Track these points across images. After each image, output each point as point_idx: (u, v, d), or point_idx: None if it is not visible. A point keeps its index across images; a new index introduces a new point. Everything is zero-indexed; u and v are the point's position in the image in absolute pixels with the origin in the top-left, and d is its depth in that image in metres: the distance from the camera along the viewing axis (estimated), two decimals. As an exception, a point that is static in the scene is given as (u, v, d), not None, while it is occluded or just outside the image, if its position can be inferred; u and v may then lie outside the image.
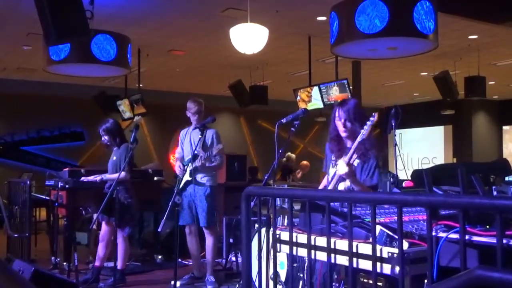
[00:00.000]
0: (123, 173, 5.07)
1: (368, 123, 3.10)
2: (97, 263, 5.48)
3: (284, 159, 12.08)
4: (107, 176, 5.52)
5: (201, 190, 5.37)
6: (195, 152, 5.27)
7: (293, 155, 12.46)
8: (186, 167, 5.33)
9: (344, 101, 3.58)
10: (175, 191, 4.99)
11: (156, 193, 6.97)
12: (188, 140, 5.52)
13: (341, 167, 3.17)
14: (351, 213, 2.15)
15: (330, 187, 3.39)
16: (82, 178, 5.80)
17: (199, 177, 5.37)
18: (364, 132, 3.09)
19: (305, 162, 12.02)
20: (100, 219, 5.42)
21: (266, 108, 11.75)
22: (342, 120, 3.41)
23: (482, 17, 7.36)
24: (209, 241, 5.44)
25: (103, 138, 5.61)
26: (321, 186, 3.71)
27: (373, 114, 3.15)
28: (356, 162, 3.26)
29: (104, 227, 5.51)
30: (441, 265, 1.95)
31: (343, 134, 3.45)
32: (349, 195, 2.37)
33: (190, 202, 5.40)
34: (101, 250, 5.50)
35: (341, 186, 3.35)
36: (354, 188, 3.26)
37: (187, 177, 5.37)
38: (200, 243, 5.60)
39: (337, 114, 3.46)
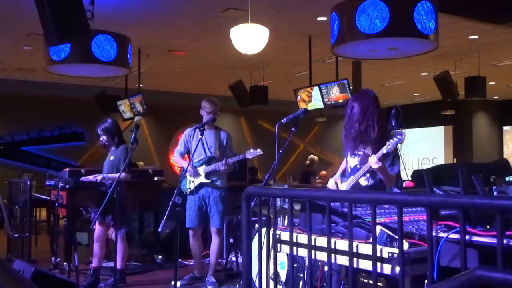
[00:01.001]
0: (123, 174, 5.08)
1: (395, 139, 3.19)
2: (95, 264, 5.47)
3: (308, 161, 11.97)
4: (108, 175, 5.49)
5: (216, 192, 5.37)
6: (213, 154, 5.28)
7: (316, 157, 12.34)
8: (198, 168, 5.32)
9: (359, 95, 3.60)
10: (176, 191, 4.98)
11: (157, 194, 6.97)
12: (197, 140, 5.32)
13: (373, 162, 3.28)
14: (351, 213, 2.15)
15: (351, 180, 3.46)
16: (82, 178, 5.80)
17: (214, 179, 5.38)
18: (390, 146, 3.18)
19: (324, 172, 11.99)
20: (92, 218, 5.40)
21: (267, 108, 11.75)
22: (357, 117, 3.48)
23: (482, 18, 7.35)
24: (216, 242, 5.42)
25: (101, 138, 5.59)
26: (339, 170, 3.76)
27: (401, 132, 3.21)
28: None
29: (98, 227, 5.46)
30: (441, 265, 1.95)
31: (359, 129, 3.52)
32: (350, 196, 2.37)
33: (201, 204, 5.39)
34: (97, 250, 5.48)
35: (362, 180, 3.47)
36: (382, 178, 3.38)
37: (202, 179, 5.36)
38: (202, 243, 5.61)
39: (353, 111, 3.52)
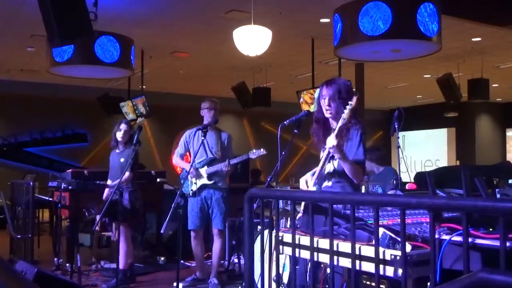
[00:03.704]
0: (126, 173, 5.12)
1: (348, 107, 3.01)
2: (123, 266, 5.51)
3: None
4: (115, 182, 5.49)
5: (218, 194, 5.36)
6: (215, 156, 5.30)
7: None
8: (200, 169, 5.32)
9: (331, 79, 3.41)
10: (179, 192, 4.98)
11: (159, 195, 6.97)
12: (197, 142, 5.34)
13: (330, 141, 3.08)
14: (354, 215, 2.15)
15: (318, 168, 3.30)
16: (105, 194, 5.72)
17: (216, 180, 5.37)
18: (344, 116, 3.00)
19: None
20: (106, 223, 5.44)
21: (269, 110, 11.75)
22: (326, 99, 3.28)
23: (485, 20, 7.34)
24: (218, 243, 5.42)
25: (121, 134, 5.58)
26: (312, 170, 3.67)
27: (352, 97, 3.09)
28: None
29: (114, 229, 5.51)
30: (444, 268, 1.95)
31: (327, 115, 3.32)
32: (353, 197, 2.37)
33: (203, 206, 5.39)
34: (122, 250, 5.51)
35: (328, 167, 3.28)
36: (342, 165, 3.18)
37: (204, 181, 5.35)
38: (204, 245, 5.61)
39: (322, 93, 3.33)
